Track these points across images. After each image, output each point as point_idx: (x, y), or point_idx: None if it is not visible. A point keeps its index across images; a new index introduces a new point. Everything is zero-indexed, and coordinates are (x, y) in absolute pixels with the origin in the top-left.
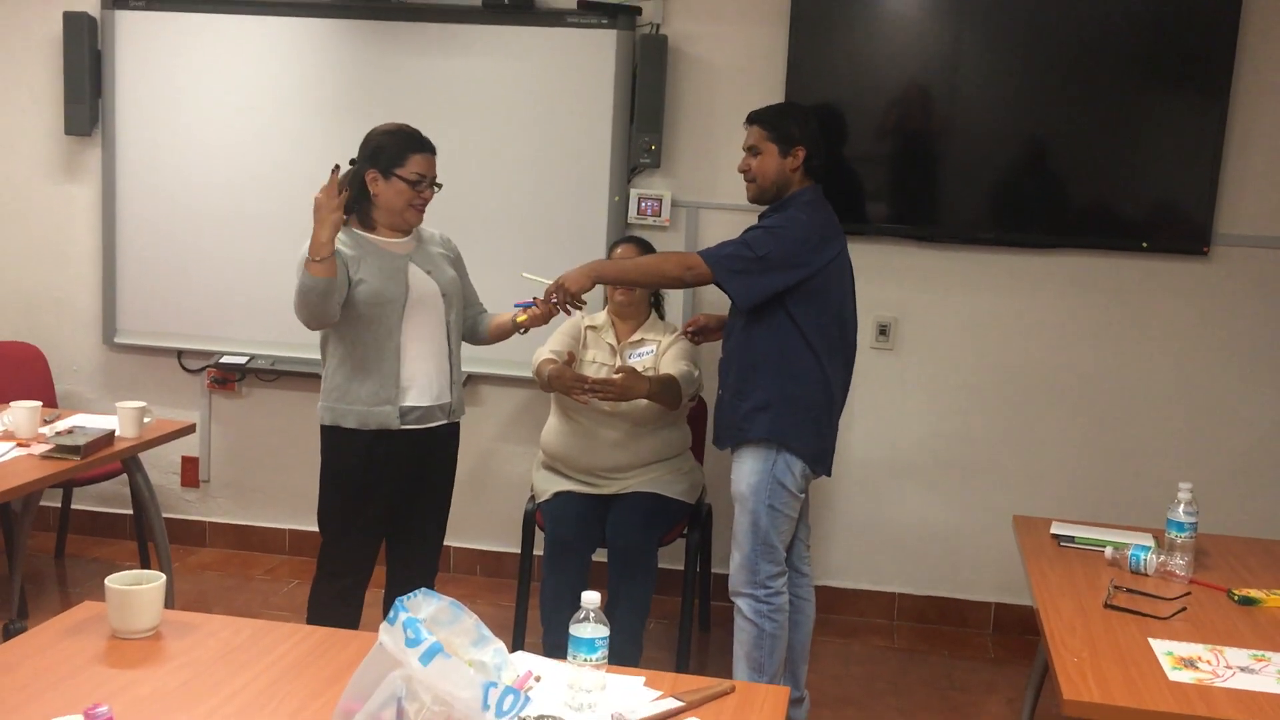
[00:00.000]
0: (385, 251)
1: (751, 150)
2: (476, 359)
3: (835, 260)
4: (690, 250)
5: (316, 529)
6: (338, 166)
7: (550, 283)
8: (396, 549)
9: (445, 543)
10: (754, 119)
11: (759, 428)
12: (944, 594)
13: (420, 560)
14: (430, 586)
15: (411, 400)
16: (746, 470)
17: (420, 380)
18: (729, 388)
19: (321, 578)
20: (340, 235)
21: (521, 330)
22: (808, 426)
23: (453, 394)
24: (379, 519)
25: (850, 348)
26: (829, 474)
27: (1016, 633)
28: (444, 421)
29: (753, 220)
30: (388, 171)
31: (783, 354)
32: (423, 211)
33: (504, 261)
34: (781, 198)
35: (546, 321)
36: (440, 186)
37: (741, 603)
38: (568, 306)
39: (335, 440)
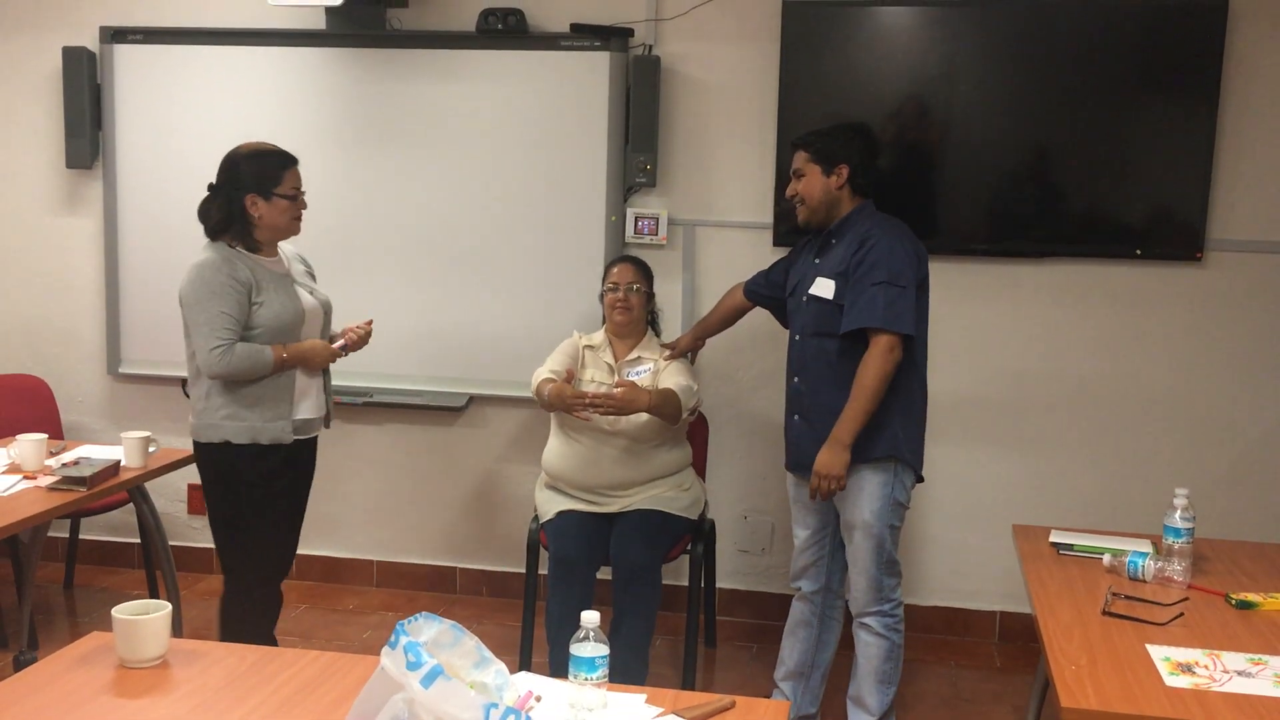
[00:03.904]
0: (274, 273)
1: (796, 174)
2: (477, 380)
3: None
4: (684, 258)
5: (316, 552)
6: (345, 347)
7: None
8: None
9: (451, 564)
10: (796, 143)
11: (879, 445)
12: (948, 604)
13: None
14: (279, 588)
15: (301, 414)
16: (867, 496)
17: (310, 395)
18: (826, 410)
19: (235, 593)
20: (233, 259)
21: (344, 352)
22: (919, 436)
23: (327, 405)
24: (274, 525)
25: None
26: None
27: (1022, 641)
28: (318, 433)
29: (753, 236)
30: (268, 193)
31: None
32: (300, 221)
33: (501, 283)
34: (834, 218)
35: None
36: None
37: (870, 620)
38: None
39: (224, 456)
